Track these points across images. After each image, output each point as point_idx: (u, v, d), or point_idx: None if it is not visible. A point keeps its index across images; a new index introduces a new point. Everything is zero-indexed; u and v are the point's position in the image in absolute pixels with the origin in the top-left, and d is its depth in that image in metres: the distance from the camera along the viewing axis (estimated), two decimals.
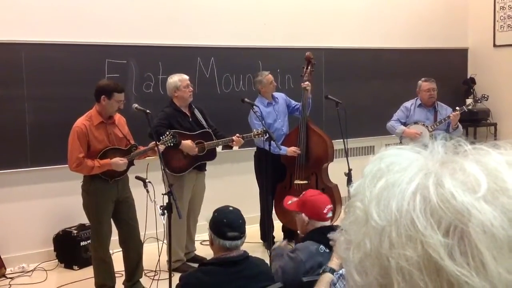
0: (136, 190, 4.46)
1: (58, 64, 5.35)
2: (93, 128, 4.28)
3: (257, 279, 2.73)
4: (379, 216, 0.57)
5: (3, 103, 5.13)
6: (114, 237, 4.55)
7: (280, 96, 5.72)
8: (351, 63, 6.94)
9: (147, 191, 4.10)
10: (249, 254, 2.82)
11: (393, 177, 0.59)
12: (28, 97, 5.20)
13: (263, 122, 5.03)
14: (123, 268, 4.63)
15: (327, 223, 3.03)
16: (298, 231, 3.13)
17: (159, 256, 4.28)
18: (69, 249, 5.28)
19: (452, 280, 0.52)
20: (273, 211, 5.68)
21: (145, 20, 5.78)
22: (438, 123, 5.78)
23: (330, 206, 3.04)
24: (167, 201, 3.96)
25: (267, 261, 3.71)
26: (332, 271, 2.40)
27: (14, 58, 5.15)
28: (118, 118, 4.48)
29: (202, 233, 5.26)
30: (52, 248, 5.40)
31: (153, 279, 4.55)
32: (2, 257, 5.12)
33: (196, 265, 4.33)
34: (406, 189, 0.57)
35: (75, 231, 5.28)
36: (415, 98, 6.01)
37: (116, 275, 4.59)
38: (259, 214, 5.62)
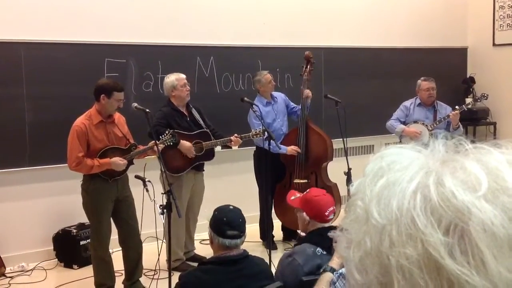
0: (136, 190, 4.46)
1: (57, 63, 5.34)
2: (93, 127, 4.28)
3: (257, 278, 2.73)
4: (379, 214, 0.57)
5: (2, 102, 5.13)
6: (114, 236, 4.55)
7: (279, 95, 5.72)
8: (350, 62, 6.94)
9: (147, 190, 4.11)
10: (249, 253, 2.82)
11: (394, 176, 0.59)
12: (27, 96, 5.20)
13: (263, 121, 5.03)
14: (122, 267, 4.63)
15: (327, 224, 3.00)
16: (299, 229, 3.10)
17: (159, 256, 4.28)
18: (68, 248, 5.28)
19: (452, 279, 0.52)
20: (273, 210, 5.68)
21: (144, 19, 5.78)
22: (437, 122, 5.78)
23: (332, 208, 2.99)
24: (166, 200, 3.96)
25: (267, 260, 3.71)
26: (333, 270, 2.40)
27: (13, 57, 5.14)
28: (118, 117, 4.48)
29: (202, 232, 5.26)
30: (52, 247, 5.40)
31: (152, 279, 4.55)
32: (1, 256, 5.12)
33: (195, 264, 4.35)
34: (406, 187, 0.57)
35: (74, 230, 5.28)
36: (415, 97, 6.01)
37: (115, 274, 4.59)
38: (259, 213, 5.62)
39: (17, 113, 5.17)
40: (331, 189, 5.48)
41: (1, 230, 5.22)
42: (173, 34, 5.90)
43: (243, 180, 6.00)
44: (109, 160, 4.26)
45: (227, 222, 2.73)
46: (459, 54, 7.96)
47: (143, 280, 4.69)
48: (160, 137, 4.43)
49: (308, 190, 3.13)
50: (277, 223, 5.82)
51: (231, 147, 5.23)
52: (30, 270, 5.23)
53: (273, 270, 3.06)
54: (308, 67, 5.62)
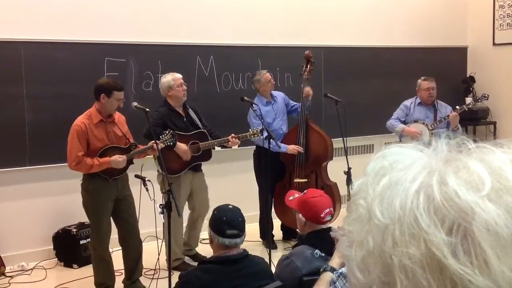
0: (135, 189, 4.45)
1: (57, 62, 5.34)
2: (93, 127, 4.28)
3: (257, 278, 2.73)
4: (382, 214, 0.57)
5: (2, 101, 5.13)
6: (114, 235, 4.55)
7: (279, 95, 5.72)
8: (350, 61, 6.94)
9: (147, 190, 4.11)
10: (249, 253, 2.82)
11: (397, 175, 0.59)
12: (27, 96, 5.19)
13: (263, 120, 5.02)
14: (122, 267, 4.63)
15: (325, 226, 2.97)
16: (298, 230, 3.08)
17: (159, 255, 4.28)
18: (68, 247, 5.28)
19: (455, 279, 0.52)
20: (273, 210, 5.68)
21: (144, 18, 5.78)
22: (438, 121, 5.78)
23: (329, 210, 2.92)
24: (165, 200, 3.96)
25: (267, 259, 3.71)
26: (332, 269, 2.40)
27: (13, 56, 5.14)
28: (118, 116, 4.48)
29: (202, 232, 5.27)
30: (52, 247, 5.40)
31: (152, 278, 4.54)
32: (1, 255, 5.12)
33: (195, 263, 4.34)
34: (409, 187, 0.57)
35: (74, 230, 5.28)
36: (415, 97, 6.01)
37: (115, 273, 4.59)
38: (259, 212, 5.62)
39: (17, 113, 5.16)
40: (331, 188, 5.48)
41: (1, 230, 5.22)
42: (173, 34, 5.90)
43: (243, 179, 6.00)
44: (109, 159, 4.26)
45: (226, 222, 2.72)
46: (459, 54, 7.96)
47: (143, 279, 4.69)
48: (160, 136, 4.43)
49: (305, 191, 3.09)
50: (276, 223, 5.82)
51: (229, 147, 5.21)
52: (30, 269, 5.23)
53: (273, 269, 3.05)
54: (308, 66, 5.61)
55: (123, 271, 4.65)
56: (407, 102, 6.02)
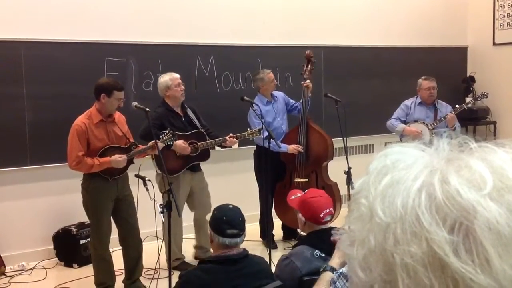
0: (135, 189, 4.45)
1: (57, 62, 5.34)
2: (93, 126, 4.28)
3: (257, 277, 2.73)
4: (383, 212, 0.57)
5: (2, 101, 5.13)
6: (114, 235, 4.55)
7: (279, 94, 5.71)
8: (350, 61, 6.94)
9: (147, 189, 4.11)
10: (249, 252, 2.82)
11: (398, 174, 0.59)
12: (27, 95, 5.19)
13: (263, 120, 5.02)
14: (122, 267, 4.63)
15: (325, 226, 2.96)
16: (299, 229, 3.07)
17: (159, 255, 4.28)
18: (68, 247, 5.29)
19: (456, 277, 0.52)
20: (273, 210, 5.68)
21: (144, 18, 5.78)
22: (438, 121, 5.79)
23: (328, 210, 2.89)
24: (165, 199, 3.96)
25: (267, 259, 3.71)
26: (333, 269, 2.40)
27: (13, 56, 5.14)
28: (118, 116, 4.48)
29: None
30: (52, 247, 5.40)
31: (152, 278, 4.55)
32: (1, 255, 5.12)
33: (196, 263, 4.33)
34: (411, 186, 0.57)
35: (74, 230, 5.28)
36: (415, 96, 6.02)
37: (116, 273, 4.59)
38: (259, 212, 5.62)
39: (17, 112, 5.16)
40: (331, 188, 5.48)
41: (1, 229, 5.23)
42: (173, 33, 5.90)
43: (243, 179, 6.00)
44: (109, 159, 4.26)
45: (226, 221, 2.72)
46: (459, 53, 7.96)
47: (143, 279, 4.69)
48: (161, 136, 4.43)
49: (306, 191, 3.09)
50: (277, 222, 5.82)
51: (228, 147, 5.19)
52: (30, 269, 5.23)
53: (273, 269, 3.05)
54: (309, 66, 5.61)
55: (123, 271, 4.65)
56: (408, 102, 6.02)
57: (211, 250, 5.18)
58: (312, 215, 2.88)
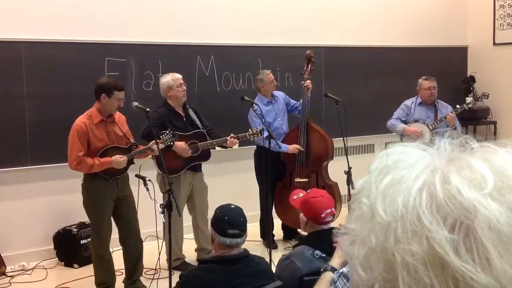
0: (135, 189, 4.45)
1: (58, 62, 5.34)
2: (93, 127, 4.28)
3: (257, 277, 2.73)
4: (385, 211, 0.57)
5: (3, 101, 5.13)
6: (114, 235, 4.55)
7: (279, 94, 5.72)
8: (350, 61, 6.94)
9: (147, 189, 4.11)
10: (249, 252, 2.82)
11: (400, 174, 0.59)
12: (28, 95, 5.20)
13: (263, 120, 5.02)
14: (123, 267, 4.63)
15: (326, 226, 2.96)
16: (301, 229, 3.06)
17: (159, 255, 4.28)
18: (69, 247, 5.29)
19: (457, 276, 0.52)
20: (273, 209, 5.68)
21: (144, 18, 5.78)
22: (438, 121, 5.79)
23: (329, 210, 2.89)
24: (166, 199, 3.96)
25: (267, 259, 3.71)
26: (333, 269, 2.40)
27: (14, 56, 5.14)
28: (118, 116, 4.48)
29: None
30: (52, 247, 5.40)
31: (153, 278, 4.55)
32: (2, 255, 5.12)
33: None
34: (412, 185, 0.57)
35: (75, 230, 5.28)
36: (416, 96, 6.02)
37: (116, 273, 4.59)
38: (259, 212, 5.62)
39: (18, 112, 5.17)
40: (332, 188, 5.48)
41: (1, 229, 5.23)
42: (173, 33, 5.90)
43: (243, 179, 6.00)
44: (109, 159, 4.26)
45: (228, 221, 2.72)
46: (460, 53, 7.96)
47: (143, 279, 4.69)
48: (161, 136, 4.43)
49: (308, 191, 3.10)
50: (277, 222, 5.82)
51: (227, 147, 5.18)
52: (31, 269, 5.23)
53: (273, 269, 3.05)
54: (309, 66, 5.61)
55: (123, 271, 4.65)
56: (408, 102, 6.02)
57: (213, 251, 5.21)
58: (313, 215, 2.88)
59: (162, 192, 4.72)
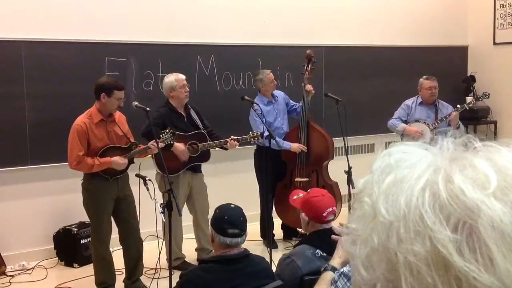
0: (135, 189, 4.45)
1: (58, 62, 5.34)
2: (93, 126, 4.28)
3: (258, 277, 2.73)
4: (387, 211, 0.57)
5: (3, 101, 5.13)
6: (115, 235, 4.55)
7: (279, 94, 5.72)
8: (350, 61, 6.94)
9: (147, 189, 4.11)
10: (249, 252, 2.82)
11: (402, 173, 0.59)
12: (28, 95, 5.19)
13: (264, 120, 5.02)
14: (123, 266, 4.63)
15: (327, 225, 2.97)
16: (301, 229, 3.06)
17: (159, 254, 4.28)
18: (69, 247, 5.29)
19: (460, 276, 0.52)
20: (273, 209, 5.68)
21: (145, 18, 5.77)
22: (439, 121, 5.79)
23: (331, 209, 2.91)
24: (166, 199, 3.96)
25: (267, 259, 3.71)
26: (333, 269, 2.39)
27: (14, 56, 5.14)
28: (119, 116, 4.48)
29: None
30: (52, 246, 5.40)
31: (153, 278, 4.55)
32: (2, 255, 5.12)
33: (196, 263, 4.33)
34: (415, 184, 0.57)
35: (75, 229, 5.28)
36: (416, 96, 6.01)
37: (116, 273, 4.60)
38: (259, 212, 5.62)
39: (18, 112, 5.16)
40: (332, 187, 5.49)
41: (1, 229, 5.23)
42: (173, 33, 5.90)
43: (244, 178, 6.00)
44: (110, 159, 4.26)
45: (228, 221, 2.72)
46: (460, 53, 7.96)
47: (144, 279, 4.69)
48: (161, 135, 4.43)
49: (309, 190, 3.10)
50: (277, 222, 5.82)
51: (227, 149, 5.18)
52: (31, 268, 5.23)
53: (274, 269, 3.05)
54: (310, 66, 5.61)
55: (123, 270, 4.65)
56: (409, 102, 6.02)
57: (214, 251, 5.20)
58: (315, 214, 2.89)
59: (161, 192, 4.73)
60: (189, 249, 5.29)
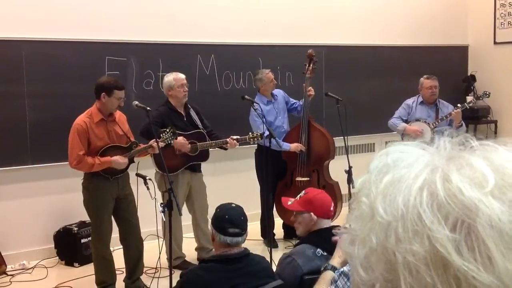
0: (135, 188, 4.46)
1: (58, 61, 5.34)
2: (94, 126, 4.28)
3: (258, 276, 2.73)
4: (385, 211, 0.57)
5: (3, 100, 5.13)
6: (115, 234, 4.55)
7: (278, 93, 5.71)
8: (351, 60, 6.93)
9: (148, 188, 4.11)
10: (250, 251, 2.82)
11: (400, 173, 0.59)
12: (28, 95, 5.19)
13: (264, 119, 5.02)
14: (123, 265, 4.63)
15: (328, 223, 2.98)
16: (299, 232, 3.04)
17: (160, 254, 4.29)
18: (69, 246, 5.29)
19: (459, 275, 0.52)
20: (274, 208, 5.68)
21: (145, 17, 5.77)
22: (439, 120, 5.78)
23: (332, 204, 3.04)
24: (166, 198, 3.96)
25: (268, 258, 3.71)
26: (333, 268, 2.39)
27: (14, 55, 5.14)
28: (119, 115, 4.48)
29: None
30: (53, 245, 5.41)
31: (153, 277, 4.55)
32: (2, 254, 5.12)
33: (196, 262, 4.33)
34: (412, 184, 0.57)
35: (75, 228, 5.28)
36: (417, 96, 6.01)
37: (116, 272, 4.59)
38: (260, 211, 5.62)
39: (18, 111, 5.17)
40: (333, 187, 5.49)
41: (2, 228, 5.23)
42: (173, 32, 5.90)
43: (244, 178, 6.00)
44: (110, 159, 4.26)
45: (228, 220, 2.72)
46: (460, 52, 7.96)
47: (144, 278, 4.69)
48: (161, 135, 4.43)
49: (305, 192, 3.09)
50: (278, 221, 5.82)
51: (227, 149, 5.17)
52: (31, 268, 5.23)
53: (274, 268, 3.05)
54: (311, 65, 5.61)
55: (124, 270, 4.65)
56: (409, 101, 6.01)
57: (214, 250, 5.20)
58: (324, 211, 2.94)
59: (161, 191, 4.73)
60: (189, 249, 5.29)
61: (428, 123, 5.80)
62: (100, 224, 4.39)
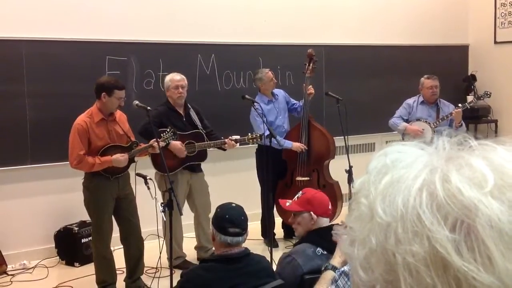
0: (135, 188, 4.46)
1: (58, 61, 5.34)
2: (94, 125, 4.28)
3: (258, 276, 2.73)
4: (384, 212, 0.56)
5: (3, 100, 5.13)
6: (115, 234, 4.55)
7: (279, 92, 5.71)
8: (351, 59, 6.93)
9: (148, 188, 4.11)
10: (250, 251, 2.82)
11: (399, 173, 0.58)
12: (28, 94, 5.20)
13: (265, 118, 5.02)
14: (124, 265, 4.64)
15: (327, 222, 2.99)
16: (298, 233, 3.04)
17: (160, 253, 4.29)
18: (70, 246, 5.29)
19: (459, 276, 0.52)
20: (274, 208, 5.68)
21: (145, 17, 5.77)
22: (440, 120, 5.78)
23: (330, 203, 3.07)
24: (167, 198, 3.96)
25: (268, 258, 3.71)
26: (334, 268, 2.40)
27: (14, 55, 5.14)
28: (119, 115, 4.48)
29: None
30: (53, 245, 5.41)
31: (154, 277, 4.55)
32: (3, 254, 5.12)
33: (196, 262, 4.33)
34: (412, 185, 0.56)
35: (76, 228, 5.28)
36: (418, 95, 6.01)
37: (117, 272, 4.60)
38: (260, 211, 5.62)
39: (19, 111, 5.17)
40: (333, 186, 5.49)
41: (2, 228, 5.23)
42: (174, 32, 5.90)
43: (244, 177, 6.00)
44: (110, 158, 4.26)
45: (229, 220, 2.72)
46: (460, 52, 7.95)
47: (145, 278, 4.69)
48: (162, 134, 4.43)
49: (302, 192, 3.09)
50: (278, 221, 5.82)
51: (225, 149, 5.17)
52: (32, 268, 5.23)
53: (274, 268, 3.05)
54: (311, 65, 5.61)
55: (124, 270, 4.65)
56: (410, 101, 6.01)
57: (213, 249, 5.20)
58: (323, 209, 2.95)
59: (161, 191, 4.73)
60: (190, 248, 5.30)
61: (429, 123, 5.80)
62: (101, 224, 4.39)
